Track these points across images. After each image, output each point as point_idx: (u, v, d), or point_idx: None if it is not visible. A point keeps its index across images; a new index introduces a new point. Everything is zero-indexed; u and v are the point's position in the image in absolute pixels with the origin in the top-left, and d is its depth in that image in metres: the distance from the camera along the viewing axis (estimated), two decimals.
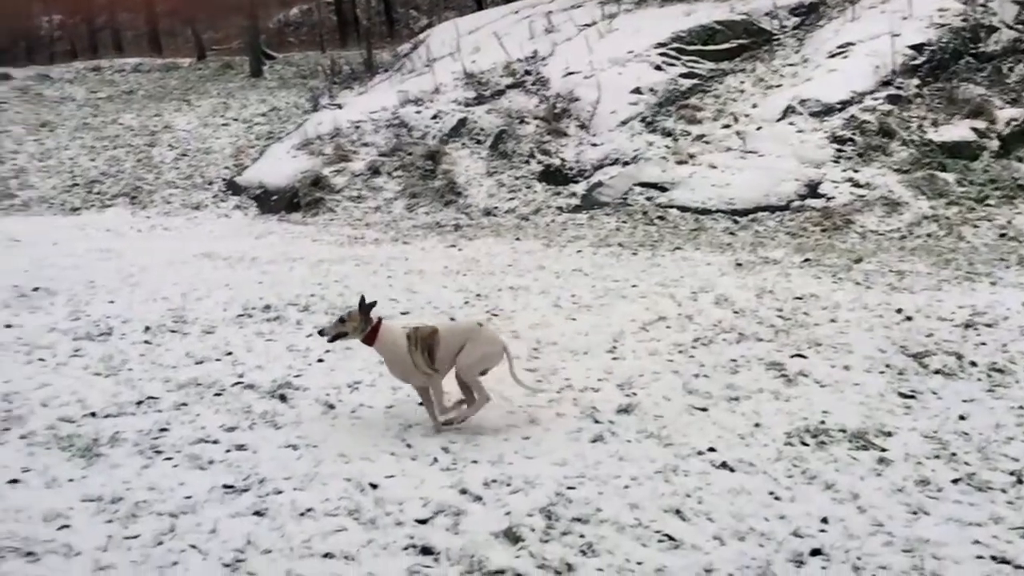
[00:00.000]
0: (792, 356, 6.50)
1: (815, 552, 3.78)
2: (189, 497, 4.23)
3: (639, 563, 3.70)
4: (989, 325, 7.16)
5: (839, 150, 13.54)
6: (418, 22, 37.01)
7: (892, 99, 14.35)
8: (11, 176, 17.54)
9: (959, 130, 13.51)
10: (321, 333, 5.21)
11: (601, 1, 21.11)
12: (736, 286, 8.71)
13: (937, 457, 4.74)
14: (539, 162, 15.32)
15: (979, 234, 11.20)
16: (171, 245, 11.88)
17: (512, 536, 3.88)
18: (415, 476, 4.50)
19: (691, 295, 8.42)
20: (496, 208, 14.29)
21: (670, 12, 19.37)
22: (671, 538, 3.89)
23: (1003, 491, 4.30)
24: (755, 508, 4.18)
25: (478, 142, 16.23)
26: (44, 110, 22.91)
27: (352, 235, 12.76)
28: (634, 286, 8.89)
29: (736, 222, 12.46)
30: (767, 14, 18.42)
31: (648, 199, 13.57)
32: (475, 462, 4.68)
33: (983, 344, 6.69)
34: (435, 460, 4.71)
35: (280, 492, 4.29)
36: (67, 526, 3.94)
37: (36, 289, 8.67)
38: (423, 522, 4.02)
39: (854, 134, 13.72)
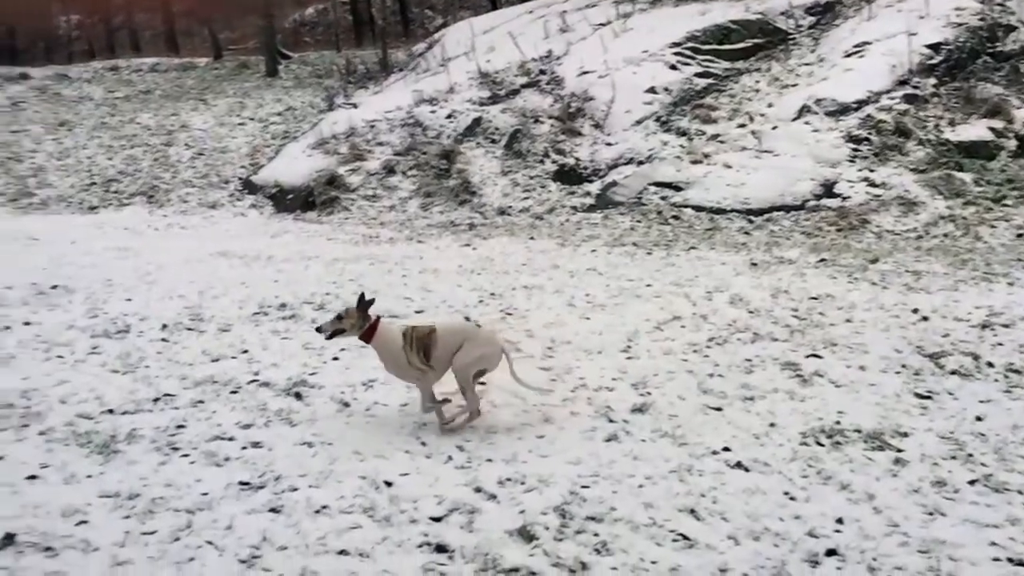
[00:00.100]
0: (807, 356, 6.48)
1: (830, 552, 3.77)
2: (205, 494, 4.26)
3: (653, 562, 3.70)
4: (1006, 326, 7.11)
5: (855, 150, 13.48)
6: (433, 22, 37.08)
7: (909, 98, 14.27)
8: (30, 175, 17.68)
9: (976, 130, 13.42)
10: (319, 330, 5.23)
11: (616, 1, 21.09)
12: (751, 286, 8.69)
13: (953, 458, 4.72)
14: (553, 161, 15.32)
15: (996, 234, 11.12)
16: (188, 244, 11.95)
17: (526, 534, 3.88)
18: (429, 474, 4.51)
19: (706, 295, 8.41)
20: (510, 207, 14.30)
21: (685, 11, 19.32)
22: (685, 537, 3.89)
23: (1020, 492, 4.28)
24: (770, 508, 4.17)
25: (493, 141, 16.24)
26: (62, 109, 23.08)
27: (367, 234, 12.80)
28: (648, 285, 8.88)
29: (751, 222, 12.43)
30: (783, 13, 18.35)
31: (663, 198, 13.54)
32: (489, 460, 4.69)
33: (1000, 345, 6.64)
34: (449, 458, 4.73)
35: (295, 489, 4.31)
36: (85, 522, 3.97)
37: (54, 287, 8.74)
38: (437, 520, 4.03)
39: (870, 134, 13.66)
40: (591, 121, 16.12)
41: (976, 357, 6.32)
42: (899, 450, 4.82)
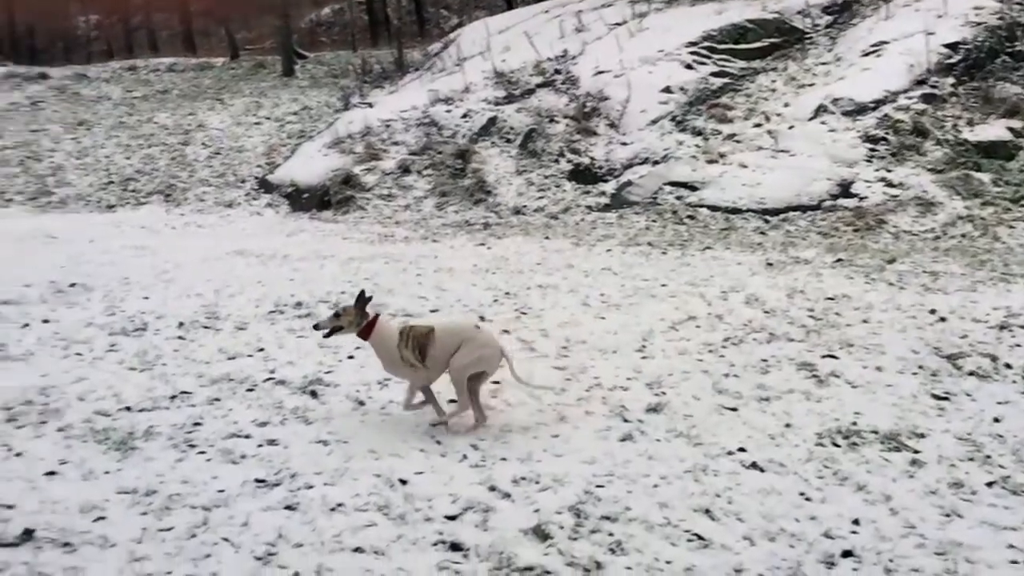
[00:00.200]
0: (823, 356, 6.46)
1: (846, 554, 3.75)
2: (222, 491, 4.28)
3: (668, 562, 3.69)
4: None
5: (872, 149, 13.41)
6: (449, 21, 37.14)
7: (926, 98, 14.18)
8: (49, 174, 17.82)
9: (995, 130, 13.32)
10: (316, 327, 5.25)
11: (631, 0, 21.05)
12: (767, 286, 8.66)
13: (971, 460, 4.69)
14: (569, 161, 15.31)
15: (1015, 235, 11.04)
16: (204, 242, 12.01)
17: (541, 533, 3.89)
18: (444, 473, 4.52)
19: (721, 295, 8.38)
20: (525, 207, 14.30)
21: (701, 11, 19.26)
22: (700, 537, 3.88)
23: None
24: (786, 508, 4.16)
25: (508, 141, 16.25)
26: (81, 109, 23.25)
27: (382, 233, 12.83)
28: (663, 285, 8.86)
29: (767, 222, 12.38)
30: (799, 12, 18.27)
31: (678, 198, 13.51)
32: (504, 459, 4.69)
33: (1018, 346, 6.60)
34: (464, 457, 4.73)
35: (311, 487, 4.33)
36: (103, 518, 4.00)
37: (73, 285, 8.81)
38: (452, 518, 4.04)
39: (887, 133, 13.58)
40: (606, 121, 16.11)
41: (994, 358, 6.28)
42: (916, 451, 4.80)
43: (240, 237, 12.54)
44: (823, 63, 16.35)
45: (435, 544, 3.81)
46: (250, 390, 5.82)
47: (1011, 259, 9.81)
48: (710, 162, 14.13)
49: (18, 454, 4.72)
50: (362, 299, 5.13)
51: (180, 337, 7.10)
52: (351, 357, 6.52)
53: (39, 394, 5.65)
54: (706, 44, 17.42)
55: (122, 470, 4.52)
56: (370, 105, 19.26)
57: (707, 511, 4.12)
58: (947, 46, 15.06)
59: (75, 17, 44.26)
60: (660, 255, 10.57)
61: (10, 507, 4.07)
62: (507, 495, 4.27)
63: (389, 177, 15.89)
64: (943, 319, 7.36)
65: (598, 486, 4.37)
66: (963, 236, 11.12)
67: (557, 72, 18.16)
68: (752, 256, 10.27)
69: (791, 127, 14.37)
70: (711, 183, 13.55)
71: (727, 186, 13.37)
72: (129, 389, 5.79)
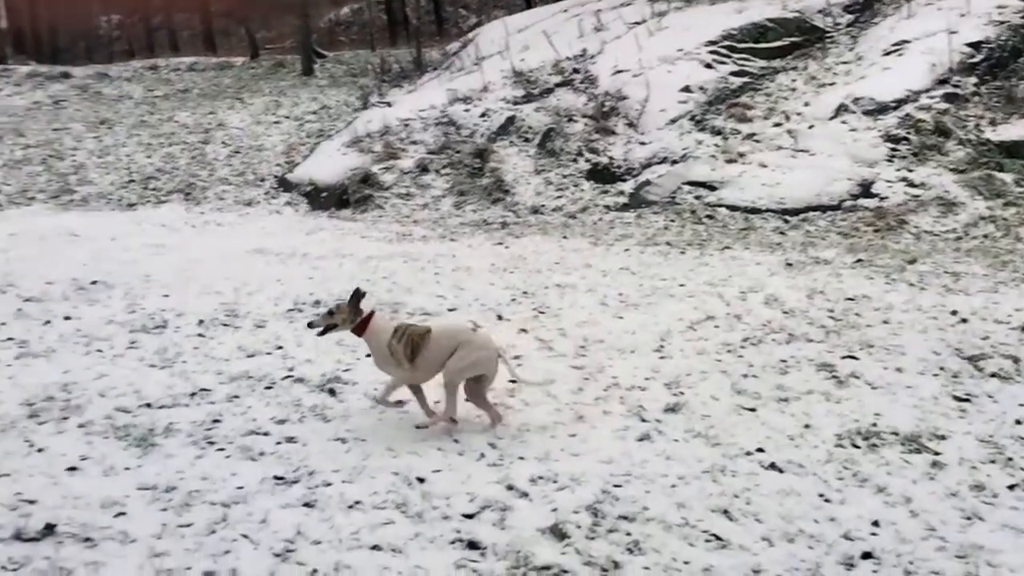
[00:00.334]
0: (843, 357, 6.42)
1: (866, 555, 3.74)
2: (241, 487, 4.31)
3: (686, 562, 3.69)
4: None
5: (893, 149, 13.30)
6: (467, 21, 37.17)
7: (948, 97, 14.06)
8: (71, 172, 17.97)
9: (1018, 129, 13.18)
10: (311, 325, 5.27)
11: None
12: (786, 286, 8.61)
13: (992, 462, 4.65)
14: (587, 160, 15.29)
15: None
16: (224, 241, 12.07)
17: (558, 532, 3.89)
18: (462, 471, 4.53)
19: (740, 295, 8.35)
20: (543, 206, 14.28)
21: (721, 9, 19.18)
22: (719, 538, 3.87)
23: None
24: (805, 510, 4.14)
25: (526, 140, 16.23)
26: (103, 108, 23.43)
27: (400, 232, 12.85)
28: (682, 285, 8.83)
29: (786, 221, 12.31)
30: (820, 11, 18.15)
31: (697, 198, 13.46)
32: (522, 458, 4.70)
33: None
34: (482, 456, 4.74)
35: (329, 484, 4.35)
36: (123, 513, 4.03)
37: (94, 282, 8.88)
38: (470, 517, 4.05)
39: (909, 133, 13.47)
40: (625, 120, 16.06)
41: (1016, 360, 6.23)
42: (937, 453, 4.76)
43: (259, 235, 12.60)
44: (844, 62, 16.25)
45: (452, 542, 3.82)
46: (269, 388, 5.85)
47: None
48: (729, 162, 14.07)
49: (40, 450, 4.77)
50: (356, 296, 5.14)
51: (200, 335, 7.14)
52: (369, 355, 6.52)
53: (61, 390, 5.71)
54: (726, 43, 17.34)
55: (142, 466, 4.56)
56: (389, 104, 19.30)
57: (725, 512, 4.11)
58: (970, 45, 14.92)
59: (97, 17, 44.63)
60: (678, 255, 10.54)
61: (32, 502, 4.12)
62: (525, 494, 4.28)
63: (407, 176, 15.92)
64: (964, 320, 7.30)
65: (616, 486, 4.36)
66: (985, 237, 11.01)
67: (576, 71, 18.12)
68: (771, 256, 10.22)
69: (811, 127, 14.28)
70: (730, 183, 13.49)
71: (746, 186, 13.31)
72: (149, 386, 5.84)
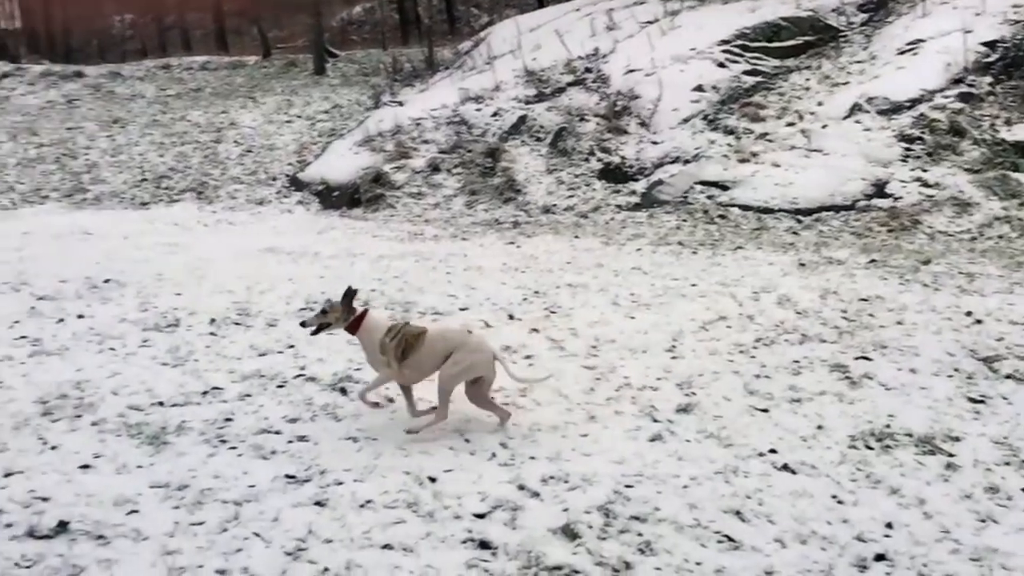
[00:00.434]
0: (857, 358, 6.38)
1: (879, 557, 3.71)
2: (253, 486, 4.32)
3: (698, 563, 3.67)
4: None
5: (907, 149, 13.23)
6: (479, 20, 37.15)
7: (963, 97, 13.97)
8: (84, 171, 18.06)
9: None
10: (303, 324, 5.27)
11: None
12: (799, 286, 8.57)
13: (1007, 464, 4.62)
14: (599, 160, 15.26)
15: None
16: (236, 240, 12.11)
17: (570, 533, 3.88)
18: (473, 471, 4.53)
19: (752, 295, 8.31)
20: (555, 206, 14.27)
21: (734, 8, 19.11)
22: (731, 539, 3.86)
23: None
24: (817, 511, 4.12)
25: (538, 139, 16.22)
26: (115, 107, 23.53)
27: (412, 231, 12.86)
28: (694, 285, 8.80)
29: (799, 221, 12.26)
30: (834, 10, 18.06)
31: (709, 198, 13.41)
32: (533, 458, 4.69)
33: None
34: (493, 455, 4.74)
35: (341, 483, 4.36)
36: (136, 511, 4.05)
37: (107, 281, 8.92)
38: (481, 516, 4.05)
39: (923, 133, 13.39)
40: (637, 119, 16.02)
41: None
42: (951, 455, 4.73)
43: (271, 235, 12.63)
44: (858, 61, 16.16)
45: (464, 542, 3.82)
46: (280, 386, 5.87)
47: None
48: (742, 161, 14.01)
49: (53, 447, 4.79)
50: (349, 294, 5.15)
51: (212, 333, 7.16)
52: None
53: (74, 388, 5.74)
54: (739, 42, 17.27)
55: (155, 464, 4.58)
56: (400, 104, 19.31)
57: (738, 512, 4.09)
58: (985, 44, 14.82)
59: (110, 17, 44.83)
60: (691, 255, 10.51)
61: (45, 499, 4.14)
62: (536, 494, 4.27)
63: (419, 175, 15.92)
64: (979, 321, 7.25)
65: (627, 486, 4.35)
66: (1000, 237, 10.94)
67: (588, 70, 18.09)
68: (784, 256, 10.18)
69: (825, 126, 14.21)
70: (743, 182, 13.44)
71: (759, 185, 13.25)
72: (162, 384, 5.86)
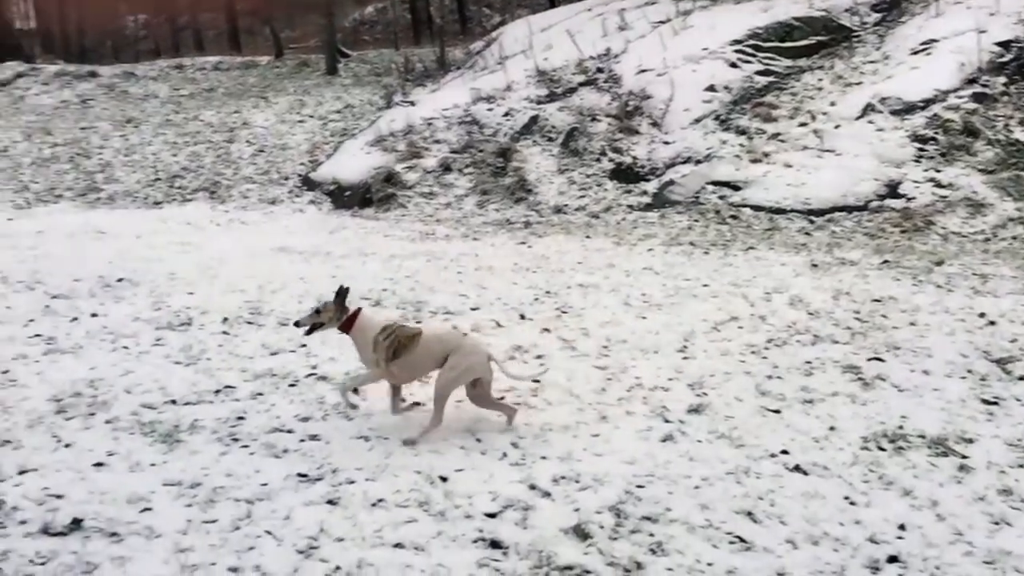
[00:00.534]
0: (869, 359, 6.36)
1: (892, 559, 3.70)
2: (265, 484, 4.34)
3: (709, 564, 3.67)
4: None
5: (921, 149, 13.17)
6: (491, 20, 37.16)
7: (977, 97, 13.90)
8: (98, 170, 18.15)
9: None
10: (297, 324, 5.28)
11: None
12: (811, 287, 8.55)
13: (1021, 466, 4.60)
14: (610, 160, 15.25)
15: None
16: (248, 239, 12.15)
17: (581, 532, 3.88)
18: (484, 470, 4.53)
19: (764, 295, 8.29)
20: (566, 206, 14.26)
21: (746, 8, 19.06)
22: (742, 540, 3.85)
23: None
24: (830, 512, 4.11)
25: (549, 139, 16.22)
26: (129, 107, 23.64)
27: (423, 231, 12.88)
28: (706, 285, 8.79)
29: (812, 222, 12.22)
30: (847, 10, 17.99)
31: (721, 198, 13.39)
32: (544, 458, 4.69)
33: None
34: (504, 455, 4.74)
35: (352, 482, 4.37)
36: (149, 509, 4.07)
37: (120, 280, 8.97)
38: (492, 516, 4.05)
39: (937, 133, 13.33)
40: (649, 119, 16.00)
41: None
42: (964, 456, 4.71)
43: (283, 234, 12.67)
44: (871, 61, 16.10)
45: (475, 541, 3.83)
46: (292, 385, 5.88)
47: None
48: (754, 161, 13.98)
49: (67, 445, 4.82)
50: (341, 294, 5.16)
51: (224, 332, 7.19)
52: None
53: (88, 386, 5.77)
54: (751, 42, 17.23)
55: (168, 462, 4.60)
56: (412, 103, 19.34)
57: (749, 513, 4.08)
58: (999, 44, 14.74)
59: (124, 17, 45.04)
60: (702, 255, 10.49)
61: (59, 497, 4.17)
62: (547, 494, 4.28)
63: (430, 175, 15.95)
64: (993, 323, 7.21)
65: (639, 486, 4.35)
66: (1014, 238, 10.88)
67: (599, 70, 18.08)
68: (796, 257, 10.15)
69: (837, 126, 14.16)
70: (755, 183, 13.41)
71: (771, 186, 13.22)
72: (175, 383, 5.88)
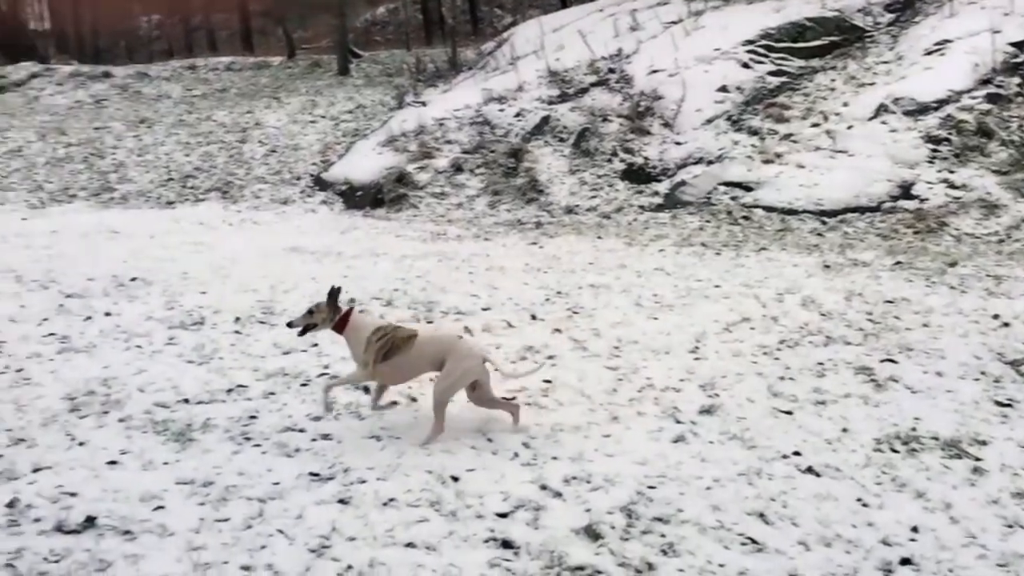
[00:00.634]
0: (882, 361, 6.34)
1: (905, 561, 3.69)
2: (277, 483, 4.35)
3: (721, 565, 3.66)
4: None
5: (934, 150, 13.10)
6: (502, 20, 37.17)
7: (991, 98, 13.82)
8: (111, 170, 18.24)
9: None
10: (290, 325, 5.28)
11: None
12: (824, 288, 8.52)
13: None
14: (622, 160, 15.23)
15: None
16: (260, 239, 12.19)
17: (592, 533, 3.88)
18: (495, 470, 4.54)
19: (776, 296, 8.27)
20: (578, 206, 14.26)
21: (759, 9, 19.00)
22: (754, 541, 3.84)
23: None
24: (842, 514, 4.09)
25: (561, 140, 16.21)
26: (142, 107, 23.76)
27: (435, 231, 12.90)
28: (717, 286, 8.77)
29: (824, 223, 12.18)
30: (860, 10, 17.92)
31: (733, 199, 13.35)
32: (555, 458, 4.69)
33: None
34: (515, 455, 4.74)
35: (364, 481, 4.38)
36: (162, 507, 4.09)
37: (134, 279, 9.01)
38: (503, 516, 4.05)
39: (950, 134, 13.26)
40: (660, 120, 15.98)
41: None
42: (978, 459, 4.69)
43: (295, 234, 12.70)
44: (884, 62, 16.03)
45: (486, 541, 3.83)
46: (304, 385, 5.90)
47: None
48: (766, 162, 13.94)
49: (81, 443, 4.85)
50: (334, 294, 5.17)
51: (236, 332, 7.22)
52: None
53: (101, 385, 5.80)
54: (763, 43, 17.18)
55: (180, 461, 4.62)
56: (424, 104, 19.36)
57: (761, 515, 4.07)
58: (1013, 45, 14.65)
59: (138, 17, 45.27)
60: (714, 256, 10.47)
61: (73, 495, 4.19)
62: (558, 494, 4.27)
63: (442, 175, 15.96)
64: (1007, 324, 7.17)
65: (650, 487, 4.35)
66: None
67: (611, 71, 18.06)
68: (808, 258, 10.12)
69: (850, 127, 14.11)
70: (767, 183, 13.37)
71: (783, 187, 13.18)
72: (187, 382, 5.91)
